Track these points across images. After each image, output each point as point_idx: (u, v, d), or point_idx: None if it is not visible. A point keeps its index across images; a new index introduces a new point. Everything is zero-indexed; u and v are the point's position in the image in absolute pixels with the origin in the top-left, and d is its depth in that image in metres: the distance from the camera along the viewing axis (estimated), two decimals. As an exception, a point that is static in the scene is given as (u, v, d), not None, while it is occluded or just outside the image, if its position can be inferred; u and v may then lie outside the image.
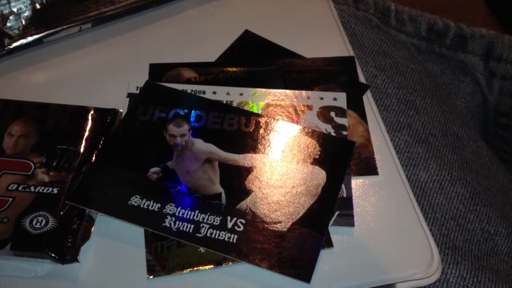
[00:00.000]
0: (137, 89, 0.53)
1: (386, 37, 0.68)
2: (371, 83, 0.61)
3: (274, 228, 0.44)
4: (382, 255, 0.44)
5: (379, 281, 0.43)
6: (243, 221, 0.44)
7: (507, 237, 0.54)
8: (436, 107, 0.62)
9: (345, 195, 0.47)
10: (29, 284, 0.42)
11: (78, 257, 0.43)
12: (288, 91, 0.53)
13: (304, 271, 0.42)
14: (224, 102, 0.52)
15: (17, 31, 0.55)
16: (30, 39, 0.55)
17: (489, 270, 0.50)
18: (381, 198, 0.47)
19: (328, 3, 0.62)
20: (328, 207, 0.46)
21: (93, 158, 0.47)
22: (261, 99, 0.53)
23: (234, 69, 0.55)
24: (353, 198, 0.47)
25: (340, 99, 0.53)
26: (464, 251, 0.51)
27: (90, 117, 0.50)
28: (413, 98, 0.61)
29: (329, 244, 0.44)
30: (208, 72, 0.55)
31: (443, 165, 0.56)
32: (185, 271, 0.43)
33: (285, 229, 0.44)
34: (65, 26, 0.56)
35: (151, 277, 0.42)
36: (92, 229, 0.44)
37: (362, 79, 0.56)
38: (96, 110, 0.50)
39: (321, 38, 0.59)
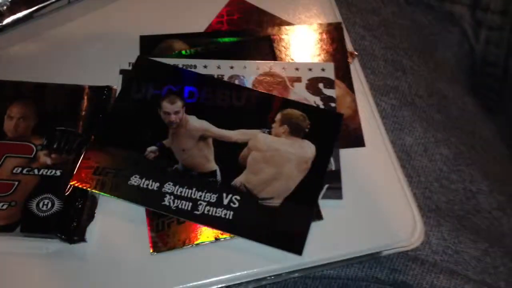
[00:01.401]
0: (129, 65, 0.54)
1: (374, -8, 0.68)
2: (358, 45, 0.62)
3: (267, 204, 0.47)
4: (368, 225, 0.47)
5: (365, 250, 0.47)
6: (238, 197, 0.47)
7: (489, 194, 0.57)
8: (423, 66, 0.64)
9: (333, 168, 0.49)
10: (41, 261, 0.45)
11: (85, 237, 0.46)
12: (277, 63, 0.54)
13: (296, 244, 0.45)
14: (216, 76, 0.53)
15: (6, 8, 0.55)
16: (20, 14, 0.55)
17: (470, 230, 0.54)
18: (367, 170, 0.50)
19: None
20: (318, 181, 0.48)
21: (92, 139, 0.49)
22: (251, 72, 0.54)
23: (224, 39, 0.56)
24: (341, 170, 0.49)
25: (328, 69, 0.54)
26: (447, 213, 0.54)
27: (85, 96, 0.51)
28: (400, 58, 0.63)
29: (319, 216, 0.47)
30: (198, 43, 0.56)
31: (428, 127, 0.59)
32: (185, 246, 0.46)
33: (278, 204, 0.47)
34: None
35: (155, 253, 0.46)
36: (96, 209, 0.47)
37: (349, 43, 0.57)
38: (91, 88, 0.52)
39: (309, 2, 0.59)
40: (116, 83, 0.53)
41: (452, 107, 0.63)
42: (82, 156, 0.48)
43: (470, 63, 0.73)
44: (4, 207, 0.45)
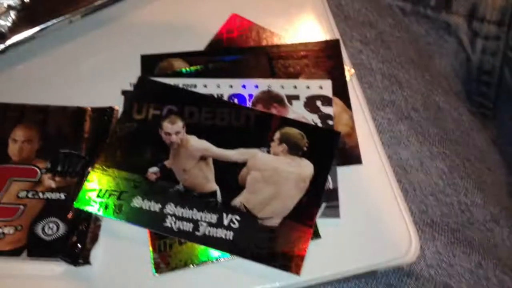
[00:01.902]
0: (130, 85, 0.55)
1: (371, 4, 0.69)
2: (356, 60, 0.63)
3: (267, 223, 0.48)
4: (365, 243, 0.49)
5: (362, 267, 0.48)
6: (238, 217, 0.48)
7: (483, 206, 0.59)
8: (419, 78, 0.65)
9: (331, 187, 0.51)
10: (47, 283, 0.47)
11: (89, 259, 0.47)
12: (275, 81, 0.55)
13: (294, 264, 0.47)
14: (215, 95, 0.54)
15: (8, 29, 0.56)
16: (22, 36, 0.56)
17: (464, 243, 0.55)
18: (364, 188, 0.51)
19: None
20: (316, 200, 0.49)
21: (95, 161, 0.50)
22: (250, 90, 0.55)
23: (223, 57, 0.57)
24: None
25: (326, 87, 0.55)
26: (441, 226, 0.56)
27: (88, 118, 0.52)
28: (397, 72, 0.64)
29: (316, 235, 0.49)
30: (198, 62, 0.57)
31: (424, 141, 0.60)
32: (187, 267, 0.47)
33: (276, 224, 0.48)
34: (55, 20, 0.57)
35: (157, 274, 0.47)
36: (100, 231, 0.48)
37: (346, 59, 0.58)
38: (94, 110, 0.53)
39: (307, 19, 0.60)
40: (118, 103, 0.54)
41: (447, 119, 0.64)
42: (85, 178, 0.49)
43: (466, 72, 0.74)
44: (11, 231, 0.47)
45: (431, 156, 0.59)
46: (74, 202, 0.48)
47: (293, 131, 0.52)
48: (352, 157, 0.53)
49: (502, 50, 0.72)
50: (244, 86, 0.55)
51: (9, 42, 0.56)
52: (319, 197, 0.49)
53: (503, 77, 0.73)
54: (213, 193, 0.49)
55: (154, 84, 0.55)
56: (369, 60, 0.64)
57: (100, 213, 0.48)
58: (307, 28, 0.60)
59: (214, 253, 0.48)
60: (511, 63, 0.72)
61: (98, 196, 0.48)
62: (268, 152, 0.51)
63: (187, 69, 0.56)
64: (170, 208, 0.48)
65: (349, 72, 0.57)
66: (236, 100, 0.54)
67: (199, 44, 0.58)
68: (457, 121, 0.66)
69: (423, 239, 0.54)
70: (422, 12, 0.73)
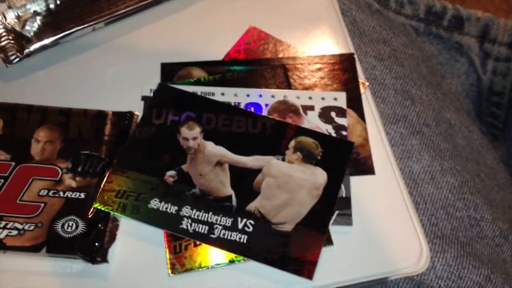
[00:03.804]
0: (150, 92, 0.56)
1: (385, 22, 0.71)
2: (370, 75, 0.65)
3: (280, 229, 0.49)
4: (377, 251, 0.49)
5: (373, 275, 0.49)
6: (252, 222, 0.49)
7: (492, 222, 0.60)
8: (431, 95, 0.66)
9: (344, 195, 0.52)
10: (65, 280, 0.48)
11: (107, 258, 0.48)
12: (291, 92, 0.57)
13: (307, 269, 0.47)
14: (232, 103, 0.56)
15: (34, 34, 0.58)
16: (47, 41, 0.58)
17: (473, 256, 0.56)
18: (376, 198, 0.52)
19: (331, -2, 0.65)
20: (329, 207, 0.50)
21: (114, 163, 0.51)
22: (267, 100, 0.56)
23: (240, 67, 0.59)
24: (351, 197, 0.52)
25: (340, 98, 0.57)
26: (451, 239, 0.56)
27: (109, 121, 0.54)
28: (409, 88, 0.65)
29: (329, 242, 0.50)
30: (216, 72, 0.58)
31: (435, 155, 0.61)
32: (201, 269, 0.48)
33: (290, 230, 0.49)
34: (79, 27, 0.59)
35: (172, 274, 0.48)
36: (117, 230, 0.50)
37: (361, 73, 0.59)
38: (114, 114, 0.54)
39: (323, 33, 0.62)
40: (138, 108, 0.55)
41: (458, 136, 0.66)
42: (104, 179, 0.50)
43: (477, 92, 0.76)
44: (31, 228, 0.48)
45: (442, 170, 0.60)
46: (94, 202, 0.49)
47: (308, 140, 0.54)
48: (365, 167, 0.54)
49: (512, 72, 0.74)
50: (260, 96, 0.57)
51: (34, 46, 0.57)
52: (332, 204, 0.50)
53: (513, 98, 0.75)
54: (229, 198, 0.50)
55: (174, 91, 0.56)
56: (382, 76, 0.65)
57: (119, 213, 0.49)
58: (323, 42, 0.61)
59: (229, 254, 0.48)
60: (521, 85, 0.73)
61: (116, 196, 0.50)
62: (283, 159, 0.52)
63: (206, 78, 0.58)
64: (186, 210, 0.49)
65: (363, 85, 0.58)
66: (252, 109, 0.56)
67: (218, 54, 0.60)
68: (468, 139, 0.67)
69: (433, 251, 0.55)
70: (434, 32, 0.75)
